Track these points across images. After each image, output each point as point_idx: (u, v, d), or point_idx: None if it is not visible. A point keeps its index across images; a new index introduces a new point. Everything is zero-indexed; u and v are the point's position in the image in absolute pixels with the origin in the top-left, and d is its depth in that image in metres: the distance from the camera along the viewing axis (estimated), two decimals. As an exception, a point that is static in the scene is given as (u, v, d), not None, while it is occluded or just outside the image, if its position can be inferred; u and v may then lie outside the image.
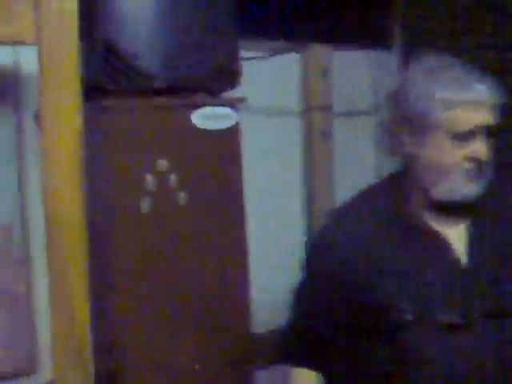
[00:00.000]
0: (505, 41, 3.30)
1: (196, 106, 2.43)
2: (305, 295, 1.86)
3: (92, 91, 2.21)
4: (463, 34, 3.44)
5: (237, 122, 2.51)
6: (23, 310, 2.56)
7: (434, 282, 1.66)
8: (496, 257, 1.70)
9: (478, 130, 1.64)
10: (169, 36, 2.35)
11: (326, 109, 3.48)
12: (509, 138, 1.76)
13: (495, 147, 1.70)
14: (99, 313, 2.17)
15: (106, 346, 2.30)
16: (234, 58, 2.52)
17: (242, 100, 2.54)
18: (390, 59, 3.72)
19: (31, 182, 2.52)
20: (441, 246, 1.69)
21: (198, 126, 2.42)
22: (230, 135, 2.51)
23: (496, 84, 1.68)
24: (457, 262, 1.68)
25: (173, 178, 2.37)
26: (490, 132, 1.66)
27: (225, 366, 2.51)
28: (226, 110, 2.49)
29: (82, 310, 2.09)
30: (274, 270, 3.07)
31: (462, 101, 1.62)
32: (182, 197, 2.39)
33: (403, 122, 1.68)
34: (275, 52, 3.17)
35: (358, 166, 3.57)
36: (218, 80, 2.47)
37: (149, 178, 2.33)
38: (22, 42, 2.12)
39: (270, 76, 3.15)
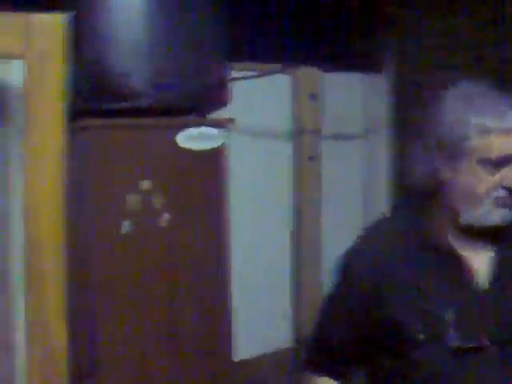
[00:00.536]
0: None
1: (182, 127, 2.40)
2: (331, 306, 1.89)
3: (79, 110, 2.19)
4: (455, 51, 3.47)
5: (223, 143, 2.48)
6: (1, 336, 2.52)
7: (450, 305, 1.68)
8: None
9: (510, 157, 1.67)
10: (158, 56, 2.32)
11: (315, 131, 3.47)
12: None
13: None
14: (77, 339, 2.13)
15: (83, 371, 2.26)
16: (222, 78, 2.50)
17: (230, 121, 2.52)
18: (380, 82, 3.72)
19: (14, 199, 2.49)
20: (463, 270, 1.71)
21: (183, 146, 2.40)
22: (216, 156, 2.48)
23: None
24: (477, 286, 1.71)
25: (156, 198, 2.34)
26: None
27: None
28: (212, 131, 2.46)
29: (60, 335, 2.05)
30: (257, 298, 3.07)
31: (497, 128, 1.65)
32: (166, 218, 2.36)
33: (438, 147, 1.71)
34: (264, 73, 3.15)
35: (345, 188, 3.56)
36: (207, 100, 2.45)
37: (131, 198, 2.30)
38: (9, 57, 2.10)
39: (259, 97, 3.15)
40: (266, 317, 3.23)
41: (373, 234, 1.86)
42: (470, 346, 1.66)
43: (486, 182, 1.67)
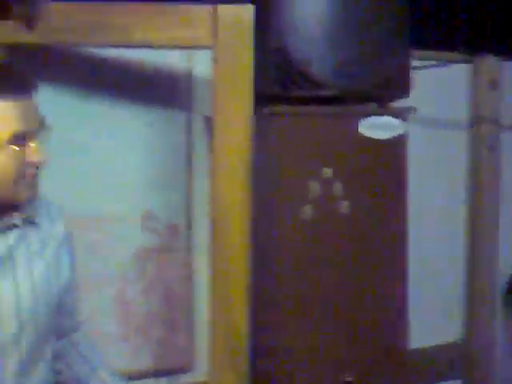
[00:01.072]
0: None
1: (364, 115, 2.41)
2: None
3: (263, 97, 2.23)
4: None
5: (404, 133, 2.46)
6: (184, 309, 2.62)
7: None
8: None
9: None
10: (341, 45, 2.33)
11: (494, 121, 3.37)
12: None
13: None
14: (257, 316, 2.18)
15: (262, 352, 2.31)
16: (404, 68, 2.47)
17: (411, 110, 2.49)
18: None
19: (198, 181, 2.58)
20: None
21: (364, 135, 2.40)
22: (397, 146, 2.47)
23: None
24: None
25: (337, 186, 2.36)
26: None
27: (378, 380, 2.48)
28: (394, 120, 2.45)
29: (242, 312, 2.11)
30: (430, 288, 3.03)
31: None
32: (345, 205, 2.38)
33: None
34: (444, 62, 3.09)
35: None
36: (388, 90, 2.44)
37: (313, 185, 2.33)
38: (197, 47, 2.16)
39: (438, 86, 3.09)
40: (438, 309, 3.18)
41: None
42: None
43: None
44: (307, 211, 2.33)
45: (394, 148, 2.46)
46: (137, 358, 2.57)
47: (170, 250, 2.58)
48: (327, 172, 2.35)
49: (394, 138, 2.44)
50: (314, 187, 2.34)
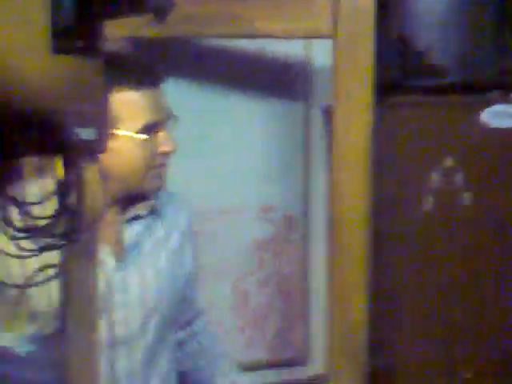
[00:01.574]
0: None
1: (486, 104, 2.34)
2: None
3: (384, 86, 2.20)
4: None
5: (529, 121, 2.39)
6: (299, 300, 2.62)
7: None
8: None
9: None
10: (463, 32, 2.28)
11: None
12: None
13: None
14: (375, 311, 2.15)
15: (381, 343, 2.28)
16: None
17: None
18: None
19: (315, 174, 2.57)
20: None
21: (488, 124, 2.33)
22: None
23: None
24: None
25: (458, 177, 2.31)
26: None
27: (497, 379, 2.41)
28: (517, 109, 2.37)
29: (360, 304, 2.08)
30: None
31: None
32: (467, 197, 2.32)
33: None
34: None
35: None
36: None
37: (434, 175, 2.29)
38: (318, 37, 2.15)
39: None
40: None
41: None
42: None
43: None
44: (428, 202, 2.29)
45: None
46: (252, 349, 2.58)
47: (287, 240, 2.58)
48: (449, 162, 2.31)
49: (519, 126, 2.37)
50: (436, 178, 2.30)
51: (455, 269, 2.34)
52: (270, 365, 2.61)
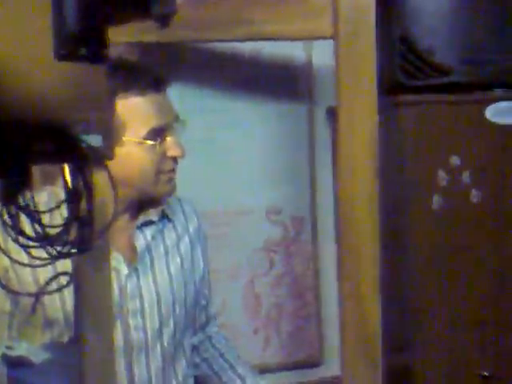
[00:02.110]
0: None
1: (491, 101, 2.35)
2: None
3: (387, 86, 2.21)
4: None
5: (533, 118, 2.39)
6: (312, 301, 2.62)
7: None
8: None
9: None
10: (465, 30, 2.28)
11: None
12: None
13: None
14: (389, 309, 2.15)
15: (395, 343, 2.28)
16: (533, 50, 2.40)
17: (540, 94, 2.42)
18: None
19: (321, 175, 2.57)
20: None
21: (492, 121, 2.34)
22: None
23: None
24: None
25: (465, 174, 2.31)
26: None
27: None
28: (523, 105, 2.38)
29: (373, 306, 2.08)
30: None
31: None
32: (475, 194, 2.32)
33: None
34: None
35: None
36: (516, 74, 2.37)
37: (441, 174, 2.29)
38: (319, 38, 2.15)
39: None
40: None
41: None
42: None
43: None
44: (436, 201, 2.30)
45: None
46: (266, 351, 2.59)
47: (296, 241, 2.58)
48: (455, 160, 2.31)
49: (522, 123, 2.38)
50: (443, 176, 2.30)
51: (466, 266, 2.34)
52: (284, 367, 2.61)
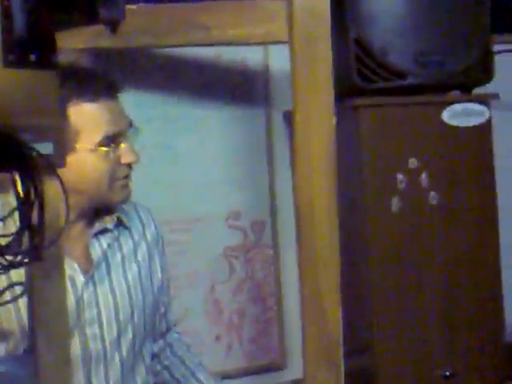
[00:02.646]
0: None
1: (447, 104, 2.37)
2: None
3: (344, 89, 2.21)
4: None
5: (488, 119, 2.41)
6: (274, 306, 2.62)
7: None
8: None
9: None
10: (420, 33, 2.30)
11: None
12: None
13: None
14: (350, 313, 2.15)
15: (357, 345, 2.29)
16: (487, 53, 2.42)
17: (494, 96, 2.44)
18: None
19: (280, 178, 2.58)
20: None
21: (448, 123, 2.36)
22: (482, 133, 2.42)
23: None
24: None
25: (423, 177, 2.33)
26: None
27: (475, 372, 2.43)
28: (478, 107, 2.40)
29: (334, 308, 2.07)
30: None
31: None
32: (433, 196, 2.34)
33: None
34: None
35: None
36: (471, 76, 2.39)
37: (399, 176, 2.30)
38: (274, 42, 2.15)
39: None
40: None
41: None
42: None
43: None
44: (395, 203, 2.31)
45: (479, 135, 2.42)
46: (229, 357, 2.58)
47: (257, 246, 2.59)
48: (413, 162, 2.32)
49: (478, 125, 2.40)
50: (401, 179, 2.31)
51: (425, 267, 2.36)
52: (247, 372, 2.61)
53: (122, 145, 1.57)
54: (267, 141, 2.58)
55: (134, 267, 1.69)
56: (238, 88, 2.53)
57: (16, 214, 1.01)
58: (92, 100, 1.52)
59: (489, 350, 2.44)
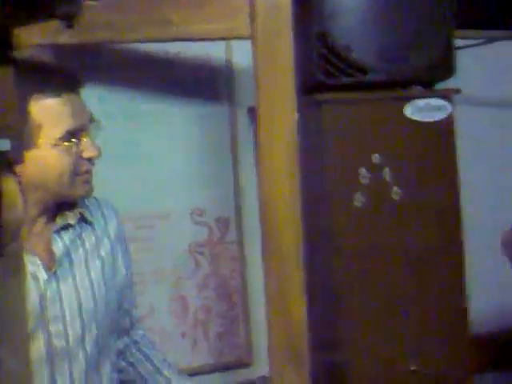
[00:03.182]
0: None
1: (409, 99, 2.38)
2: None
3: (306, 85, 2.22)
4: None
5: (451, 114, 2.43)
6: (239, 302, 2.62)
7: None
8: None
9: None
10: (383, 28, 2.31)
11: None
12: None
13: None
14: (315, 308, 2.16)
15: (322, 343, 2.29)
16: (449, 48, 2.44)
17: (456, 91, 2.46)
18: None
19: (245, 174, 2.58)
20: None
21: (411, 118, 2.37)
22: (444, 128, 2.44)
23: None
24: None
25: (386, 171, 2.34)
26: None
27: (441, 366, 2.45)
28: (440, 102, 2.42)
29: (299, 305, 2.08)
30: (491, 270, 2.98)
31: None
32: (396, 191, 2.35)
33: None
34: (490, 40, 3.03)
35: None
36: (433, 71, 2.41)
37: (362, 172, 2.31)
38: (237, 37, 2.15)
39: (484, 65, 3.04)
40: (501, 287, 3.12)
41: None
42: None
43: None
44: (358, 198, 2.32)
45: (442, 130, 2.43)
46: (194, 353, 2.58)
47: (222, 243, 2.58)
48: (376, 158, 2.33)
49: (441, 120, 2.42)
50: (364, 174, 2.32)
51: (388, 262, 2.37)
52: (213, 369, 2.61)
53: (84, 139, 1.57)
54: (232, 136, 2.58)
55: (97, 263, 1.68)
56: (202, 84, 2.53)
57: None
58: (54, 95, 1.51)
59: (455, 345, 2.46)
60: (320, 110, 2.29)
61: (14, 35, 0.98)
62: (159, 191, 2.47)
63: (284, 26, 2.01)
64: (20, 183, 1.05)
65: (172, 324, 2.53)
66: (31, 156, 1.50)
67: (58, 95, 1.52)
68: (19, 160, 1.03)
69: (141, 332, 1.92)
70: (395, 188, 2.36)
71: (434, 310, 2.42)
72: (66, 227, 1.63)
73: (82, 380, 1.64)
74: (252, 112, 2.49)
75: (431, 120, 2.41)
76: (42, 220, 1.61)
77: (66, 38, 1.75)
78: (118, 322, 1.80)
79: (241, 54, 2.50)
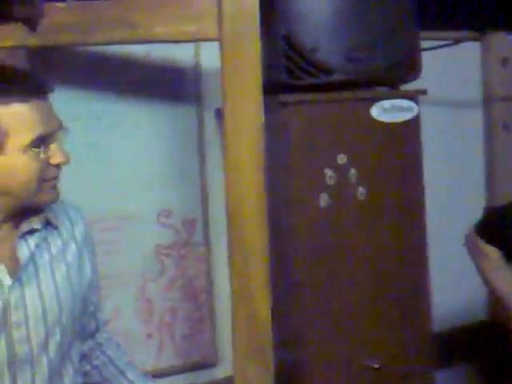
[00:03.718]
0: None
1: (375, 100, 2.39)
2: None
3: (273, 86, 2.22)
4: None
5: (417, 115, 2.45)
6: (205, 303, 2.62)
7: None
8: None
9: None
10: (348, 29, 2.32)
11: (507, 98, 3.34)
12: None
13: None
14: (279, 307, 2.17)
15: (286, 341, 2.30)
16: (414, 49, 2.46)
17: (422, 92, 2.48)
18: None
19: (212, 175, 2.57)
20: None
21: (377, 119, 2.38)
22: (410, 128, 2.46)
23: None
24: None
25: (352, 172, 2.35)
26: None
27: (404, 363, 2.47)
28: (406, 103, 2.43)
29: (263, 304, 2.09)
30: (455, 271, 3.01)
31: None
32: (361, 191, 2.37)
33: None
34: (455, 41, 3.06)
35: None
36: (398, 72, 2.42)
37: (328, 172, 2.32)
38: (204, 39, 2.15)
39: (449, 66, 3.07)
40: (461, 285, 3.15)
41: None
42: None
43: None
44: (324, 199, 2.32)
45: (408, 131, 2.45)
46: (160, 355, 2.57)
47: (188, 244, 2.58)
48: (342, 159, 2.34)
49: (407, 120, 2.43)
50: (330, 175, 2.33)
51: (353, 261, 2.39)
52: (179, 369, 2.60)
53: (52, 146, 1.55)
54: (199, 138, 2.57)
55: (63, 267, 1.66)
56: (170, 86, 2.52)
57: None
58: (22, 100, 1.49)
59: (417, 341, 2.48)
60: (285, 111, 2.29)
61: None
62: (125, 193, 2.45)
63: (251, 29, 2.02)
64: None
65: (137, 326, 2.52)
66: None
67: (28, 101, 1.50)
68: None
69: (105, 334, 1.90)
70: (361, 188, 2.37)
71: (397, 307, 2.45)
72: (31, 232, 1.61)
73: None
74: (220, 113, 2.49)
75: (397, 121, 2.42)
76: (7, 225, 1.59)
77: (30, 41, 1.74)
78: (83, 325, 1.79)
79: (209, 56, 2.49)
